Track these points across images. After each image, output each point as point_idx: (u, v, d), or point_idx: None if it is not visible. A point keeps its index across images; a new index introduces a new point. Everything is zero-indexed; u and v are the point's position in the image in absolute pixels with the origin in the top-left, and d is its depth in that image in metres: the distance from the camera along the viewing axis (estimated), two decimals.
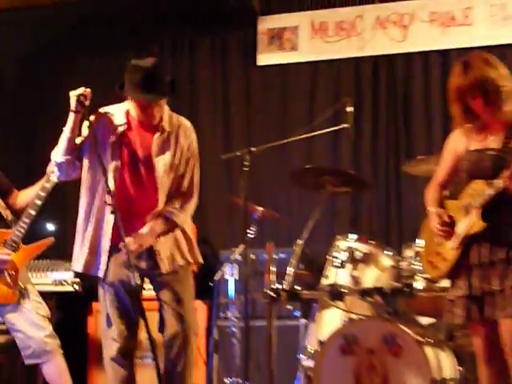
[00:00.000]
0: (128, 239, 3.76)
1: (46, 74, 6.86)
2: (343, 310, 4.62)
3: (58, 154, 3.91)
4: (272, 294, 4.49)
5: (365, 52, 6.37)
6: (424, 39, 6.22)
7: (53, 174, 4.46)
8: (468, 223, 3.46)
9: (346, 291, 4.62)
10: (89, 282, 5.60)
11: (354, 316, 4.53)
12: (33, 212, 4.63)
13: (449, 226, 3.53)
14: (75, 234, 4.00)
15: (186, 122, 4.09)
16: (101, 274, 3.87)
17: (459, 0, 6.21)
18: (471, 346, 3.72)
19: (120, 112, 3.92)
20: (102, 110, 4.02)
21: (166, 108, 4.04)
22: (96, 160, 3.86)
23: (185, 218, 4.02)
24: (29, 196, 4.74)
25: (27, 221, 4.62)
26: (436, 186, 3.73)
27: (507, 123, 3.47)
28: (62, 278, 5.72)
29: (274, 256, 5.08)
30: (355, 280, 4.64)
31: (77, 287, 5.71)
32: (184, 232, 4.03)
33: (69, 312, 4.97)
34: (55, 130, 4.10)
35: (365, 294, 4.63)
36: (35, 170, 5.15)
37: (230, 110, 6.65)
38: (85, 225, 3.95)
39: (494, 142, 3.50)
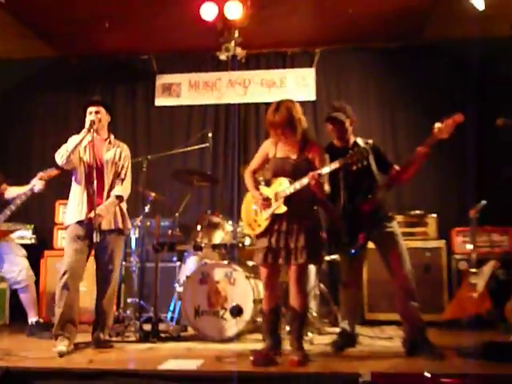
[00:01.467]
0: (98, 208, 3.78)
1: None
2: (201, 257, 4.67)
3: (64, 157, 3.83)
4: (158, 247, 4.52)
5: (221, 101, 6.41)
6: (257, 95, 6.34)
7: (35, 187, 4.46)
8: (276, 206, 3.39)
9: (203, 245, 4.67)
10: (41, 237, 5.80)
11: (207, 261, 4.53)
12: (13, 207, 4.49)
13: (267, 201, 3.42)
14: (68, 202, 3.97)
15: (122, 143, 4.20)
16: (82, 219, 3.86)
17: (278, 72, 6.38)
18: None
19: (89, 135, 3.91)
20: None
21: (112, 136, 4.11)
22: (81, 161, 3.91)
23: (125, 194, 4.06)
24: (15, 193, 4.53)
25: (8, 212, 4.48)
26: (250, 172, 3.58)
27: (299, 142, 3.43)
28: (24, 235, 5.75)
29: (161, 223, 5.11)
30: (209, 238, 4.70)
31: (33, 240, 5.74)
32: (121, 208, 4.09)
33: (28, 256, 4.71)
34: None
35: (215, 247, 4.73)
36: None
37: (136, 134, 6.51)
38: (75, 199, 3.97)
39: (292, 153, 3.44)
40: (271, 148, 3.48)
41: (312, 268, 4.72)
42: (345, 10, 5.30)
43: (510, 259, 4.97)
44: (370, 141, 3.70)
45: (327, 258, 4.83)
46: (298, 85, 6.30)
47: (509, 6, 5.01)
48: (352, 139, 3.71)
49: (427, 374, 2.77)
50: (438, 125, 3.23)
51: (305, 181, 3.25)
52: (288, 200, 3.36)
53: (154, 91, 6.52)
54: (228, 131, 6.38)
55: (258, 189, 3.49)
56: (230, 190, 6.03)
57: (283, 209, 3.36)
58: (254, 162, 3.59)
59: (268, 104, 6.35)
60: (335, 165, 3.19)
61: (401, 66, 6.03)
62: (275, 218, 3.40)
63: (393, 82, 6.12)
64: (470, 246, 4.95)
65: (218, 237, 4.67)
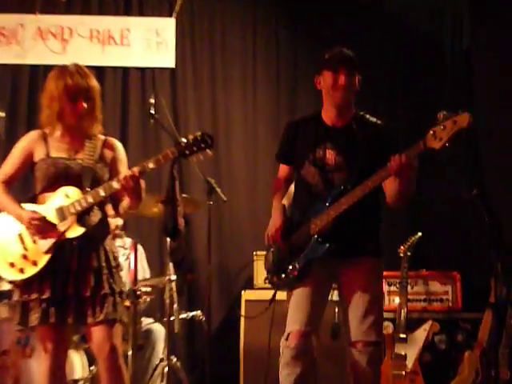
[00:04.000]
0: None
1: None
2: None
3: None
4: None
5: (24, 60, 6.13)
6: (83, 54, 6.09)
7: None
8: (65, 227, 3.35)
9: None
10: None
11: None
12: None
13: (45, 223, 3.32)
14: None
15: None
16: None
17: (118, 20, 6.24)
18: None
19: None
20: None
21: None
22: None
23: None
24: None
25: None
26: (1, 183, 3.45)
27: (84, 138, 3.47)
28: None
29: None
30: None
31: None
32: None
33: None
34: None
35: (1, 296, 4.52)
36: None
37: None
38: None
39: (75, 151, 3.47)
40: (38, 142, 3.48)
41: (160, 330, 4.98)
42: None
43: (454, 320, 5.15)
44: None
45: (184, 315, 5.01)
46: (148, 43, 6.27)
47: None
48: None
49: None
50: (435, 129, 3.18)
51: (114, 184, 3.31)
52: (82, 218, 3.37)
53: None
54: (33, 111, 5.91)
55: (20, 206, 3.42)
56: None
57: (78, 230, 3.33)
58: (7, 169, 3.50)
59: (101, 71, 5.95)
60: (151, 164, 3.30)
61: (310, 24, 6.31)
62: (63, 248, 3.34)
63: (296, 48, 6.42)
64: (397, 300, 5.03)
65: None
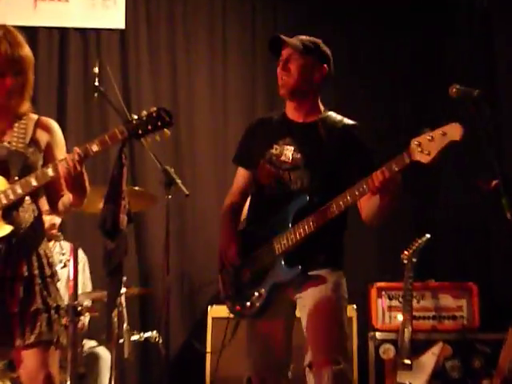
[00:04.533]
0: None
1: None
2: None
3: None
4: None
5: None
6: (10, 12, 6.12)
7: None
8: None
9: None
10: None
11: None
12: None
13: None
14: None
15: None
16: None
17: None
18: None
19: None
20: None
21: None
22: None
23: None
24: None
25: None
26: None
27: (13, 118, 3.44)
28: None
29: None
30: None
31: None
32: None
33: None
34: None
35: None
36: None
37: None
38: None
39: (6, 134, 3.43)
40: None
41: (107, 356, 5.01)
42: None
43: (470, 342, 5.13)
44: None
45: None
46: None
47: None
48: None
49: None
50: (420, 139, 3.22)
51: (49, 172, 3.27)
52: (9, 214, 3.32)
53: None
54: None
55: None
56: None
57: (5, 229, 3.29)
58: None
59: (33, 32, 6.16)
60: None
61: None
62: None
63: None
64: (400, 317, 5.06)
65: None
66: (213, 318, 5.30)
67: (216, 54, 6.42)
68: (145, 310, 5.85)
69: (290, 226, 3.55)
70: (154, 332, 5.03)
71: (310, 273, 3.61)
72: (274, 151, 3.64)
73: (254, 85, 6.42)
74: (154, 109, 3.24)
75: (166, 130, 3.23)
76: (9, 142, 3.36)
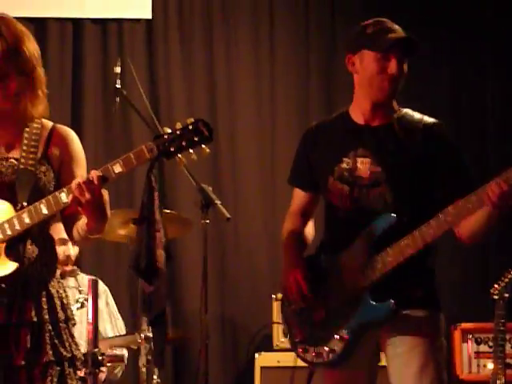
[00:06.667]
0: None
1: None
2: None
3: None
4: None
5: None
6: (18, 2, 6.08)
7: None
8: None
9: None
10: None
11: None
12: None
13: None
14: None
15: None
16: None
17: None
18: None
19: None
20: None
21: None
22: None
23: None
24: None
25: None
26: None
27: (20, 125, 3.31)
28: None
29: None
30: None
31: None
32: None
33: None
34: None
35: None
36: None
37: None
38: None
39: (14, 149, 3.32)
40: None
41: None
42: None
43: None
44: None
45: None
46: None
47: None
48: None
49: None
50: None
51: (63, 197, 3.17)
52: (14, 248, 3.25)
53: None
54: None
55: None
56: None
57: (9, 267, 3.21)
58: None
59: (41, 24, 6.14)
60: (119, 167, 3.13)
61: None
62: None
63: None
64: (491, 366, 4.93)
65: None
66: (262, 368, 5.23)
67: (261, 48, 6.35)
68: (178, 358, 5.84)
69: (375, 252, 3.44)
70: None
71: (404, 312, 3.46)
72: (344, 166, 3.50)
73: (308, 83, 6.35)
74: (191, 120, 3.08)
75: (204, 146, 3.05)
76: (17, 159, 3.27)
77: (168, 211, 5.01)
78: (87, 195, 3.06)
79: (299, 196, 3.75)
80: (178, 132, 3.08)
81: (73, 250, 4.93)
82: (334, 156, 3.54)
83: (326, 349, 3.49)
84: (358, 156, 3.50)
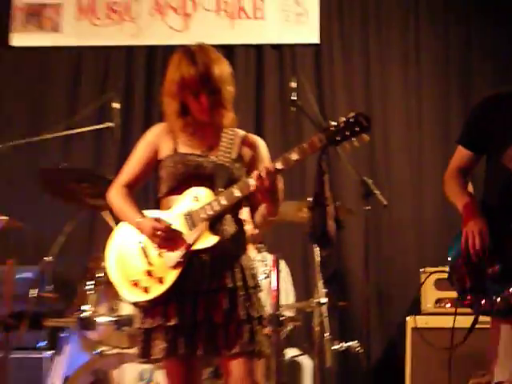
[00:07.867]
0: None
1: None
2: (94, 340, 4.69)
3: None
4: (9, 320, 4.65)
5: (139, 40, 6.61)
6: (209, 31, 6.53)
7: None
8: (195, 236, 3.40)
9: (98, 319, 4.64)
10: None
11: (107, 349, 4.62)
12: None
13: (173, 232, 3.40)
14: None
15: None
16: None
17: None
18: None
19: None
20: None
21: None
22: None
23: None
24: None
25: None
26: (121, 187, 3.56)
27: (218, 132, 3.55)
28: None
29: (17, 275, 5.21)
30: (111, 305, 4.68)
31: None
32: None
33: None
34: None
35: (121, 323, 4.67)
36: None
37: None
38: None
39: (208, 147, 3.55)
40: (163, 140, 3.59)
41: (308, 364, 5.14)
42: None
43: None
44: None
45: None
46: (286, 15, 6.55)
47: None
48: None
49: None
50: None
51: (251, 182, 3.34)
52: (214, 226, 3.43)
53: (8, 19, 6.61)
54: (151, 99, 6.46)
55: (141, 213, 3.51)
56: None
57: (211, 240, 3.40)
58: (129, 170, 3.62)
59: (229, 50, 6.27)
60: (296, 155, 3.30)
61: None
62: (192, 264, 3.41)
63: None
64: None
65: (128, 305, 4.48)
66: (412, 329, 5.38)
67: (409, 64, 6.60)
68: (344, 318, 6.02)
69: None
70: (355, 342, 5.14)
71: None
72: None
73: (449, 94, 6.59)
74: (352, 114, 3.26)
75: (364, 135, 3.24)
76: (216, 157, 3.49)
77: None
78: (266, 181, 3.26)
79: (463, 155, 3.72)
80: (342, 124, 3.21)
81: (255, 231, 4.72)
82: None
83: (498, 299, 3.41)
84: None
